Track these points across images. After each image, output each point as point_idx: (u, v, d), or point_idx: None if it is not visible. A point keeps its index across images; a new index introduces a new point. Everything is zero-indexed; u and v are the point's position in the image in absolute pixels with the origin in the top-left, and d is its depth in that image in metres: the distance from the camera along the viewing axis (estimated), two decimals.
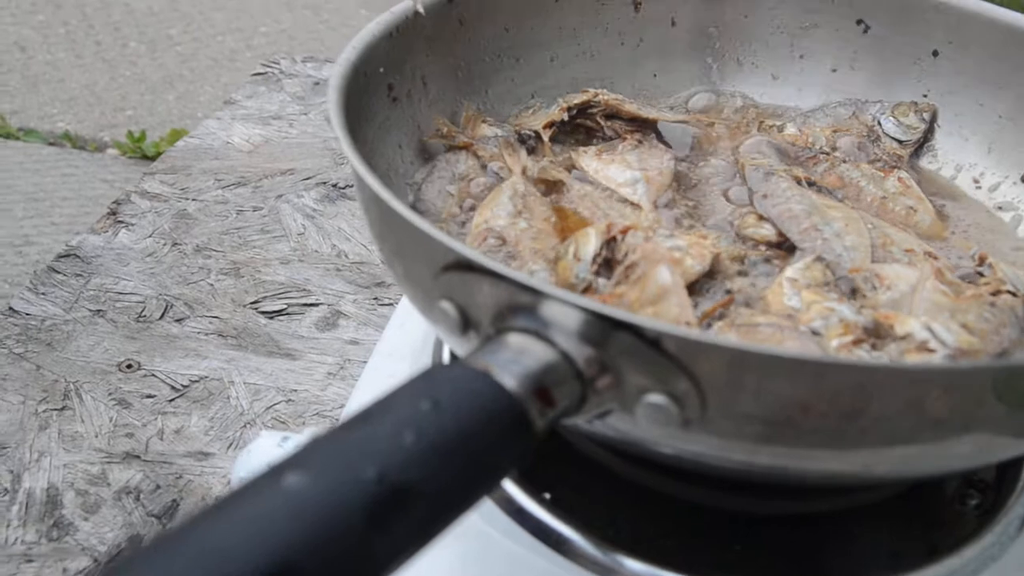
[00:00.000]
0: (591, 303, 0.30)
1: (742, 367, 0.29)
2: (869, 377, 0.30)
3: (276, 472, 0.24)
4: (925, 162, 0.59)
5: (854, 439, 0.32)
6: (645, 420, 0.32)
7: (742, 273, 0.48)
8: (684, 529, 0.43)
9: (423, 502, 0.24)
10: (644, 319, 0.30)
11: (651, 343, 0.30)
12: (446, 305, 0.35)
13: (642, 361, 0.30)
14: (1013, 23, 0.52)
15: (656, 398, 0.31)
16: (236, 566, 0.21)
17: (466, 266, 0.33)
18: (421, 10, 0.53)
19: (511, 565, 0.43)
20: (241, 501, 0.23)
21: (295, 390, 0.66)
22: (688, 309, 0.40)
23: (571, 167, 0.55)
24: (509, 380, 0.29)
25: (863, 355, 0.39)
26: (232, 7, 1.83)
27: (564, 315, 0.31)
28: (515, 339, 0.31)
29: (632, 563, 0.41)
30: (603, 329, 0.30)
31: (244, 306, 0.73)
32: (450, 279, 0.34)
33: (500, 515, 0.44)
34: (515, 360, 0.30)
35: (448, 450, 0.26)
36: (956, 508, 0.45)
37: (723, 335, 0.40)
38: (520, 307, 0.32)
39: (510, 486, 0.44)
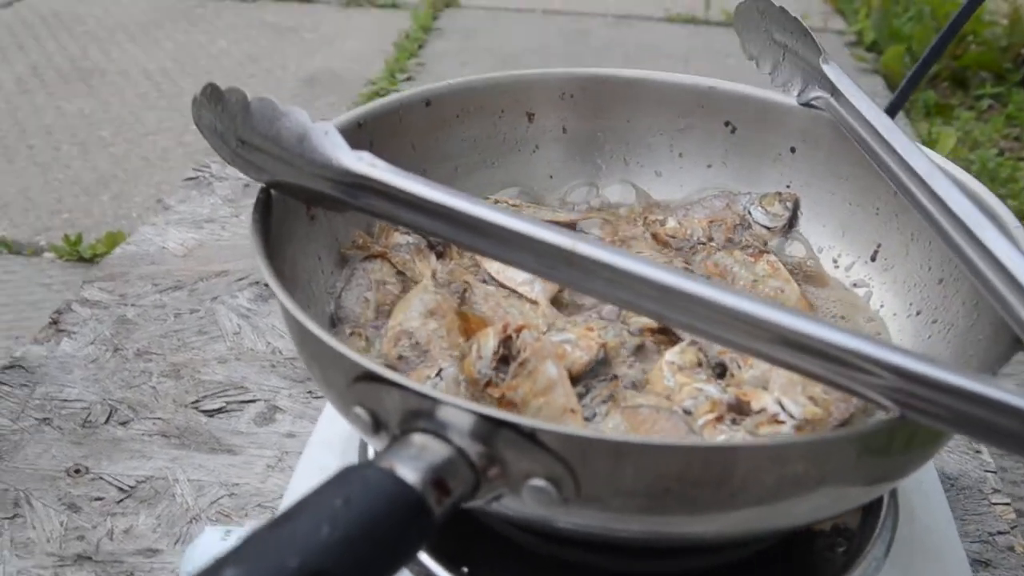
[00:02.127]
0: (477, 407, 0.36)
1: (601, 452, 0.36)
2: (695, 456, 0.36)
3: (216, 568, 0.29)
4: (792, 247, 0.67)
5: (705, 504, 0.38)
6: (530, 501, 0.37)
7: (627, 361, 0.54)
8: None
9: None
10: (520, 418, 0.36)
11: (528, 436, 0.36)
12: (359, 410, 0.41)
13: (522, 452, 0.36)
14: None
15: (537, 482, 0.37)
16: None
17: (372, 377, 0.39)
18: None
19: None
20: None
21: (237, 484, 0.70)
22: (572, 398, 0.46)
23: (477, 270, 0.61)
24: (410, 475, 0.35)
25: (725, 430, 0.45)
26: (162, 106, 1.89)
27: (456, 417, 0.37)
28: (417, 438, 0.37)
29: None
30: (488, 427, 0.36)
31: (185, 406, 0.78)
32: (360, 388, 0.40)
33: None
34: (416, 457, 0.36)
35: (358, 538, 0.31)
36: (826, 555, 0.52)
37: (580, 427, 0.46)
38: (419, 411, 0.38)
39: (431, 563, 0.49)
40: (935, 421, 0.35)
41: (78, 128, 1.81)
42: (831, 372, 0.37)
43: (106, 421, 0.76)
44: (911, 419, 0.36)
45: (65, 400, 0.78)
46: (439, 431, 0.37)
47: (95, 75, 2.04)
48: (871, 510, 0.53)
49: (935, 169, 0.49)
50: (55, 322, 0.88)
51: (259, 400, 0.78)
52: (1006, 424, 0.33)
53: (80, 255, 1.36)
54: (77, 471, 0.71)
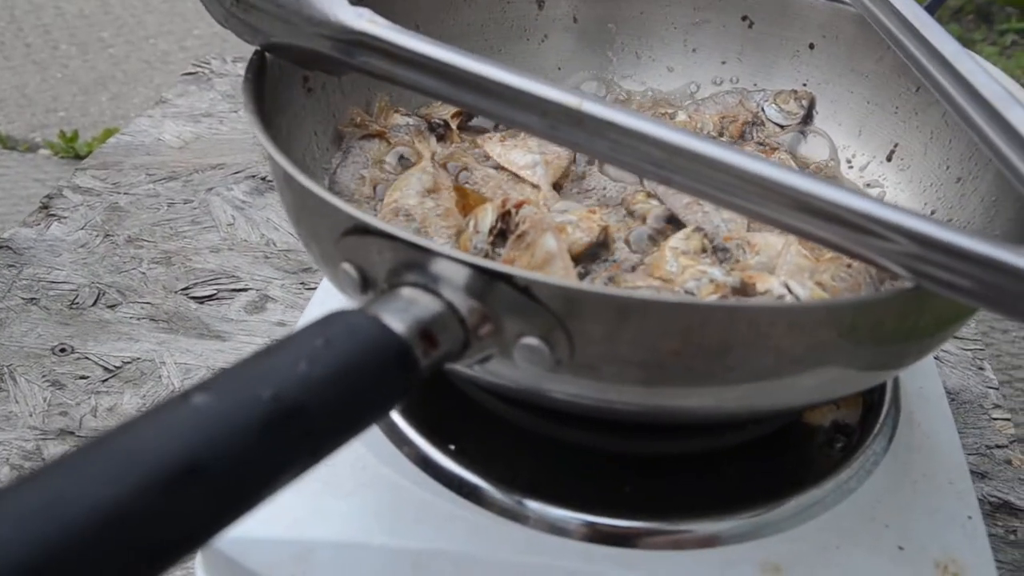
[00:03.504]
0: (471, 258, 0.35)
1: (597, 308, 0.34)
2: (710, 315, 0.34)
3: (184, 394, 0.28)
4: (807, 145, 0.64)
5: (702, 374, 0.36)
6: (522, 361, 0.36)
7: (630, 243, 0.52)
8: (579, 472, 0.48)
9: (313, 420, 0.28)
10: (516, 269, 0.34)
11: (522, 291, 0.34)
12: (347, 267, 0.39)
13: (516, 307, 0.35)
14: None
15: (530, 340, 0.35)
16: (145, 464, 0.24)
17: (362, 229, 0.37)
18: None
19: (421, 511, 0.46)
20: (152, 416, 0.26)
21: (224, 369, 0.69)
22: (571, 272, 0.44)
23: (478, 152, 0.59)
24: (397, 324, 0.33)
25: None
26: (164, 10, 1.85)
27: (448, 269, 0.35)
28: (406, 292, 0.35)
29: (532, 504, 0.45)
30: (482, 280, 0.35)
31: (175, 292, 0.76)
32: (349, 243, 0.38)
33: (409, 466, 0.48)
34: (404, 309, 0.34)
35: (337, 379, 0.30)
36: (824, 451, 0.51)
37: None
38: (409, 264, 0.36)
39: (419, 439, 0.48)
40: (951, 291, 0.33)
41: (77, 28, 1.77)
42: (844, 238, 0.35)
43: (94, 304, 0.74)
44: (926, 289, 0.34)
45: (53, 282, 0.76)
46: (429, 285, 0.35)
47: None
48: (871, 409, 0.52)
49: (962, 52, 0.47)
50: (45, 207, 0.86)
51: (251, 289, 0.77)
52: (1020, 290, 0.31)
53: (76, 152, 1.34)
54: (63, 350, 0.70)
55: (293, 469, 0.28)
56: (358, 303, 0.37)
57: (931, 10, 0.64)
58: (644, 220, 0.54)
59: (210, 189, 0.89)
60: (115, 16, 1.82)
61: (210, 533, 0.27)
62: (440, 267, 0.35)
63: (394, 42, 0.43)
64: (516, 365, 0.36)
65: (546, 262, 0.45)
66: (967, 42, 1.78)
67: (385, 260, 0.37)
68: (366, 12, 0.45)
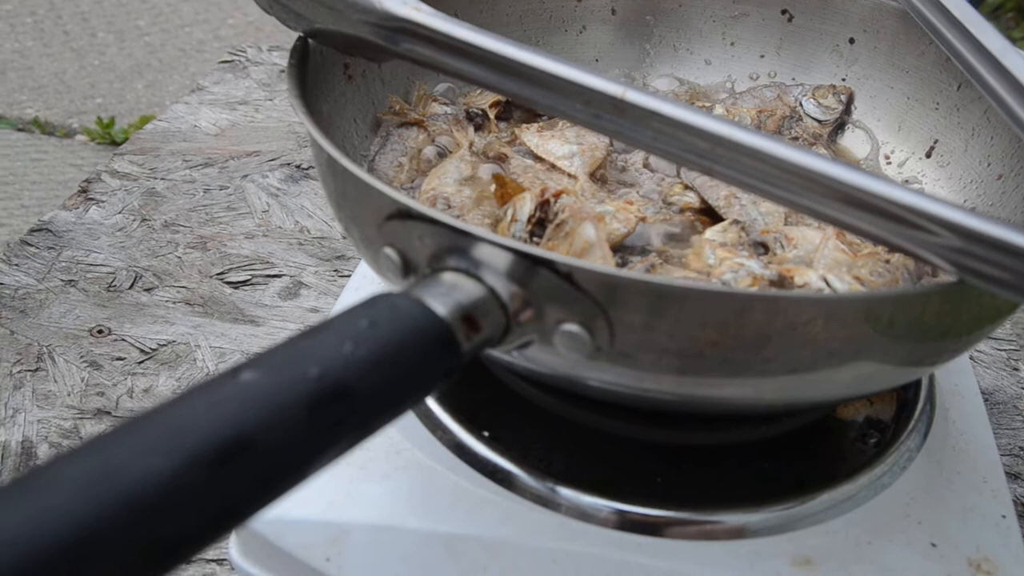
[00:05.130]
0: (513, 243, 0.35)
1: (638, 296, 0.34)
2: (750, 304, 0.34)
3: (233, 371, 0.28)
4: (845, 140, 0.64)
5: (740, 362, 0.36)
6: (562, 347, 0.36)
7: (669, 236, 0.52)
8: (612, 461, 0.48)
9: (358, 400, 0.29)
10: (558, 255, 0.34)
11: (565, 277, 0.34)
12: (389, 251, 0.39)
13: (558, 294, 0.35)
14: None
15: (571, 327, 0.35)
16: (195, 438, 0.25)
17: (405, 214, 0.37)
18: None
19: (455, 496, 0.47)
20: (202, 391, 0.27)
21: (258, 353, 0.70)
22: (610, 260, 0.44)
23: (515, 142, 0.59)
24: (440, 308, 0.33)
25: None
26: None
27: (490, 255, 0.35)
28: (448, 277, 0.36)
29: (565, 491, 0.46)
30: (524, 266, 0.35)
31: (210, 277, 0.77)
32: (392, 227, 0.38)
33: (444, 451, 0.48)
34: (447, 293, 0.34)
35: (381, 359, 0.30)
36: (858, 446, 0.50)
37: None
38: (452, 249, 0.36)
39: (453, 425, 0.48)
40: (995, 285, 0.33)
41: (115, 16, 1.79)
42: (887, 231, 0.35)
43: (131, 286, 0.75)
44: (969, 283, 0.34)
45: (91, 264, 0.77)
46: (471, 269, 0.35)
47: None
48: (906, 406, 0.52)
49: (1009, 47, 0.47)
50: (84, 191, 0.87)
51: (284, 275, 0.77)
52: None
53: (112, 138, 1.36)
54: (100, 332, 0.71)
55: (338, 447, 0.29)
56: (399, 287, 0.37)
57: (975, 3, 0.63)
58: (682, 212, 0.54)
59: (245, 176, 0.90)
60: (151, 5, 1.84)
61: (257, 506, 0.27)
62: (482, 252, 0.35)
63: (438, 29, 0.43)
64: (556, 351, 0.37)
65: (585, 251, 0.45)
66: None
67: (427, 245, 0.37)
68: None
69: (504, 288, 0.35)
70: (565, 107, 0.41)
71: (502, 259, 0.35)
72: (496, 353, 0.38)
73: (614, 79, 0.39)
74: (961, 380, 0.56)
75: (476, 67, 0.43)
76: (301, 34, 0.51)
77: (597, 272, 0.34)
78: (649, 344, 0.36)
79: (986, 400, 0.68)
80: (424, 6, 0.45)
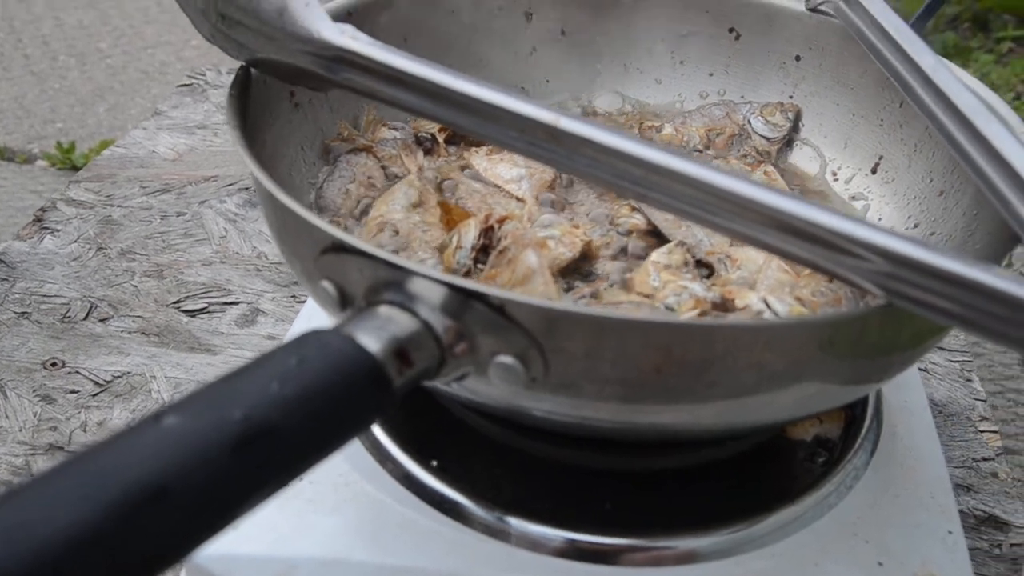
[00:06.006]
0: (446, 276, 0.35)
1: (571, 327, 0.34)
2: (684, 334, 0.34)
3: (155, 416, 0.28)
4: (793, 158, 0.65)
5: (680, 392, 0.37)
6: (497, 380, 0.36)
7: (614, 258, 0.52)
8: (561, 489, 0.48)
9: (283, 440, 0.29)
10: (490, 288, 0.34)
11: (497, 310, 0.34)
12: (326, 284, 0.39)
13: (491, 326, 0.35)
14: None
15: (505, 359, 0.35)
16: (114, 486, 0.25)
17: (340, 248, 0.37)
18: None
19: (404, 528, 0.47)
20: (123, 437, 0.27)
21: (198, 388, 0.69)
22: (551, 287, 0.44)
23: (464, 167, 0.59)
24: (371, 343, 0.33)
25: None
26: (163, 21, 1.85)
27: (423, 288, 0.35)
28: (383, 310, 0.36)
29: (514, 521, 0.46)
30: (457, 299, 0.35)
31: (166, 306, 0.76)
32: (328, 260, 0.38)
33: (392, 482, 0.48)
34: (381, 327, 0.34)
35: (309, 397, 0.30)
36: (806, 465, 0.51)
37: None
38: (386, 283, 0.36)
39: (401, 455, 0.48)
40: (923, 308, 0.33)
41: (76, 39, 1.77)
42: (818, 256, 0.35)
43: (85, 317, 0.75)
44: (898, 306, 0.34)
45: (45, 295, 0.77)
46: (406, 303, 0.35)
47: None
48: (853, 423, 0.52)
49: (941, 66, 0.47)
50: (39, 220, 0.86)
51: (242, 302, 0.77)
52: (993, 310, 0.31)
53: (73, 163, 1.35)
54: (53, 364, 0.70)
55: (266, 488, 0.28)
56: (338, 319, 0.37)
57: (925, 17, 0.64)
58: (629, 233, 0.54)
59: (203, 202, 0.90)
60: (113, 27, 1.83)
61: (181, 554, 0.27)
62: (416, 286, 0.35)
63: (375, 58, 0.43)
64: (491, 383, 0.37)
65: (527, 278, 0.45)
66: (964, 50, 1.79)
67: (363, 278, 0.37)
68: (348, 28, 0.45)
69: (438, 321, 0.35)
70: (501, 135, 0.41)
71: (435, 292, 0.35)
72: (436, 384, 0.38)
73: (548, 107, 0.39)
74: (910, 395, 0.57)
75: (414, 96, 0.43)
76: (244, 63, 0.51)
77: (527, 304, 0.34)
78: (585, 374, 0.36)
79: (939, 412, 0.69)
80: (362, 35, 0.45)
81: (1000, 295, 0.32)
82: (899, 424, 0.55)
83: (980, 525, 0.60)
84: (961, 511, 0.60)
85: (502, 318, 0.34)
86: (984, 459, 0.66)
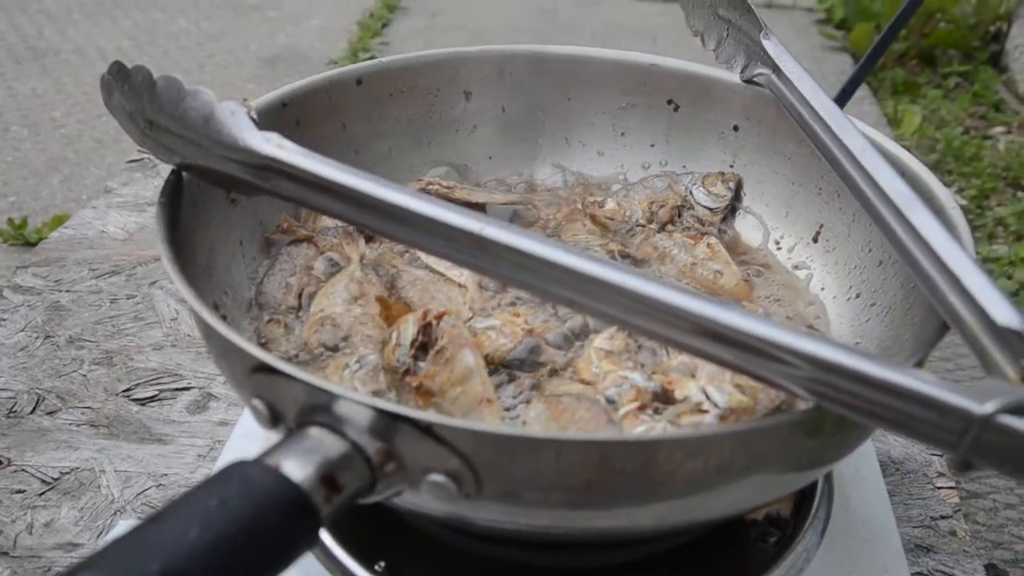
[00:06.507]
0: (372, 400, 0.34)
1: (496, 447, 0.34)
2: (594, 450, 0.34)
3: (71, 573, 0.27)
4: (737, 225, 0.65)
5: (615, 499, 0.36)
6: (430, 497, 0.36)
7: (558, 347, 0.52)
8: None
9: None
10: (416, 412, 0.34)
11: (424, 431, 0.34)
12: (257, 402, 0.39)
13: (419, 446, 0.34)
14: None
15: (436, 478, 0.35)
16: None
17: (268, 369, 0.37)
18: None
19: None
20: None
21: (165, 474, 0.68)
22: (488, 387, 0.44)
23: (406, 253, 0.59)
24: (297, 472, 0.33)
25: (647, 420, 0.44)
26: None
27: (351, 411, 0.35)
28: (313, 432, 0.35)
29: None
30: (384, 421, 0.34)
31: (116, 395, 0.75)
32: (257, 380, 0.38)
33: None
34: (309, 451, 0.34)
35: (229, 540, 0.29)
36: (758, 545, 0.50)
37: (495, 417, 0.44)
38: (315, 405, 0.36)
39: (346, 558, 0.47)
40: (848, 411, 0.33)
41: (30, 109, 1.77)
42: (746, 361, 0.35)
43: (32, 411, 0.73)
44: (826, 409, 0.34)
45: None
46: (335, 425, 0.35)
47: (49, 55, 2.00)
48: (805, 498, 0.52)
49: (869, 148, 0.48)
50: None
51: (193, 387, 0.76)
52: (919, 414, 0.32)
53: (26, 239, 1.33)
54: None
55: None
56: (270, 435, 0.37)
57: (849, 92, 0.64)
58: (571, 316, 0.54)
59: (153, 283, 0.89)
60: (67, 95, 1.82)
61: None
62: (343, 408, 0.35)
63: (301, 167, 0.43)
64: (424, 499, 0.36)
65: (465, 378, 0.45)
66: (912, 85, 1.81)
67: (292, 399, 0.37)
68: (275, 137, 0.45)
69: (367, 442, 0.35)
70: (427, 243, 0.41)
71: (362, 415, 0.35)
72: (371, 500, 0.37)
73: (473, 215, 0.39)
74: (861, 463, 0.57)
75: (341, 204, 0.43)
76: (174, 168, 0.51)
77: (454, 427, 0.34)
78: (518, 488, 0.36)
79: (896, 470, 0.69)
80: (288, 143, 0.45)
81: (925, 399, 0.32)
82: (852, 494, 0.55)
83: None
84: (921, 573, 0.60)
85: (430, 439, 0.34)
86: (943, 516, 0.66)
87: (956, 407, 0.31)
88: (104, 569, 0.28)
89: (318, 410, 0.36)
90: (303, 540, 0.32)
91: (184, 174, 0.51)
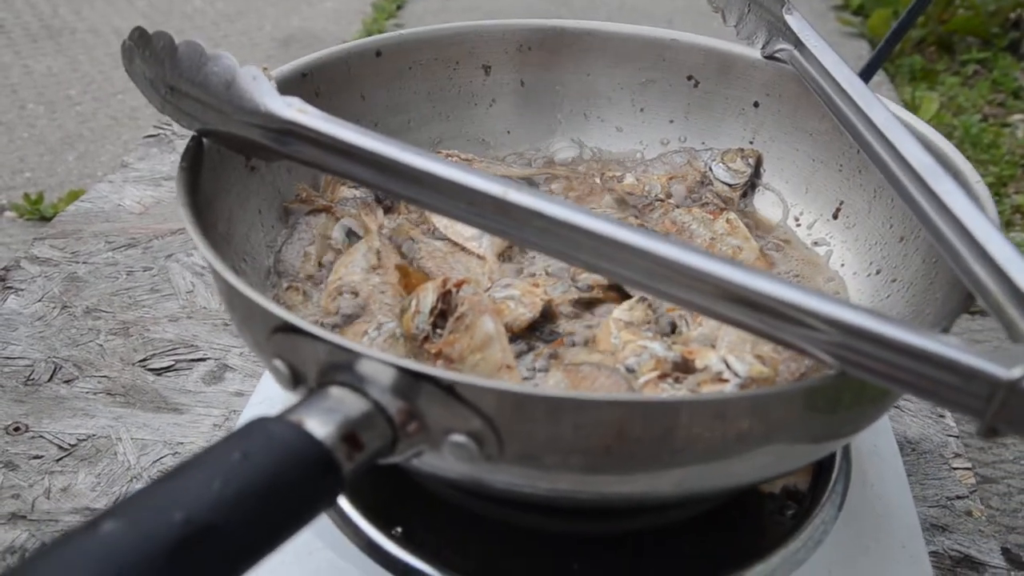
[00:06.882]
0: (395, 359, 0.34)
1: (520, 407, 0.34)
2: (616, 411, 0.34)
3: (94, 521, 0.27)
4: (756, 203, 0.65)
5: (638, 463, 0.36)
6: (451, 457, 0.36)
7: (576, 316, 0.52)
8: (526, 553, 0.47)
9: (227, 541, 0.28)
10: (438, 371, 0.34)
11: (446, 390, 0.34)
12: (278, 363, 0.39)
13: (442, 406, 0.34)
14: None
15: (458, 438, 0.35)
16: None
17: (290, 328, 0.37)
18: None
19: None
20: (61, 546, 0.26)
21: (181, 443, 0.68)
22: (508, 354, 0.44)
23: (424, 224, 0.59)
24: (320, 429, 0.33)
25: (667, 388, 0.43)
26: None
27: (373, 370, 0.35)
28: (334, 391, 0.35)
29: None
30: (406, 381, 0.34)
31: (132, 364, 0.76)
32: (278, 340, 0.38)
33: (355, 551, 0.47)
34: (330, 410, 0.34)
35: (253, 494, 0.29)
36: (776, 518, 0.50)
37: (507, 381, 0.43)
38: (337, 364, 0.36)
39: (363, 523, 0.47)
40: (873, 376, 0.33)
41: (45, 87, 1.77)
42: (769, 326, 0.35)
43: (50, 379, 0.74)
44: (850, 374, 0.34)
45: (8, 358, 0.76)
46: (356, 384, 0.35)
47: (64, 33, 2.00)
48: (822, 473, 0.52)
49: (893, 120, 0.47)
50: (2, 279, 0.85)
51: (209, 359, 0.76)
52: (945, 379, 0.31)
53: (41, 214, 1.33)
54: (16, 429, 0.69)
55: None
56: (291, 395, 0.37)
57: (874, 67, 0.64)
58: (591, 289, 0.54)
59: (169, 256, 0.89)
60: (83, 73, 1.82)
61: None
62: (366, 367, 0.35)
63: (322, 131, 0.43)
64: (445, 460, 0.36)
65: (485, 344, 0.45)
66: (930, 72, 1.80)
67: (313, 359, 0.37)
68: (296, 101, 0.45)
69: (389, 402, 0.35)
70: (450, 207, 0.40)
71: (384, 374, 0.35)
72: (392, 461, 0.37)
73: (497, 179, 0.39)
74: (879, 440, 0.57)
75: (362, 168, 0.43)
76: (194, 133, 0.50)
77: (477, 385, 0.34)
78: (540, 449, 0.35)
79: (912, 450, 0.69)
80: (309, 107, 0.44)
81: (951, 364, 0.31)
82: (869, 470, 0.54)
83: (956, 566, 0.60)
84: (936, 552, 0.60)
85: (453, 398, 0.34)
86: (958, 497, 0.66)
87: (982, 372, 0.31)
88: (129, 517, 0.28)
89: (340, 369, 0.36)
90: (324, 497, 0.32)
91: (204, 141, 0.51)
